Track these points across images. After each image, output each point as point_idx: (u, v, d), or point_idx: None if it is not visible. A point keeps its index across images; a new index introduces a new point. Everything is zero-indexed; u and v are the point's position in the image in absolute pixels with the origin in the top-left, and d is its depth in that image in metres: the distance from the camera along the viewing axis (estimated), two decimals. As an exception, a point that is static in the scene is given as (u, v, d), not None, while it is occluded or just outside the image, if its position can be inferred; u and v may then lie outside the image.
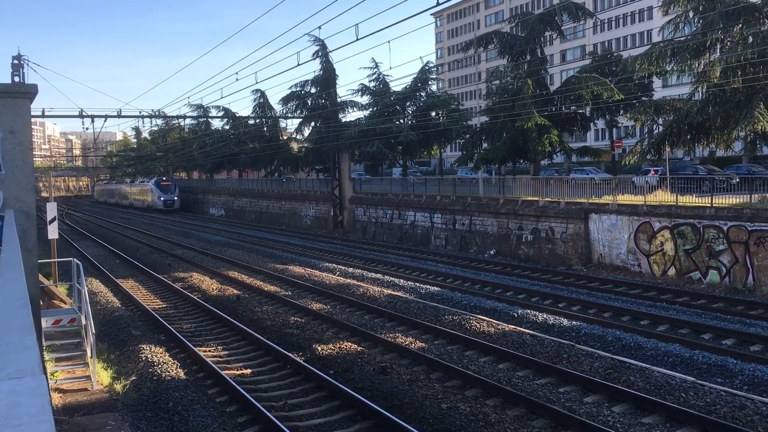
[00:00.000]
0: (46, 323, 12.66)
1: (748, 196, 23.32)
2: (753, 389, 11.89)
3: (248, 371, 13.86)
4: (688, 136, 25.71)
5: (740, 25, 24.16)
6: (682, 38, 25.86)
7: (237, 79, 51.28)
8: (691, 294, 20.84)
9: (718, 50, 25.28)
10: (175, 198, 74.53)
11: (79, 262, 14.63)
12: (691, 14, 25.92)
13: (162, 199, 73.60)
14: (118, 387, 12.37)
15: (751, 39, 23.66)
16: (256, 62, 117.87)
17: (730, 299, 19.89)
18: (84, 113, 37.47)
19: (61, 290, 20.73)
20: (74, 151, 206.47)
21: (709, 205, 22.94)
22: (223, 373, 13.06)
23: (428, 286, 22.65)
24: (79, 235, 47.27)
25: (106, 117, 38.31)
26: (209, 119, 78.52)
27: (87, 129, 45.66)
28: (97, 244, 40.81)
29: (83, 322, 13.02)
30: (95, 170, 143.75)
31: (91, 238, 44.01)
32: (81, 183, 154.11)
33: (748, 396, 11.12)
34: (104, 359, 14.37)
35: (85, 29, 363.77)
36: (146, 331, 17.42)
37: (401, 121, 53.29)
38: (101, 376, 12.71)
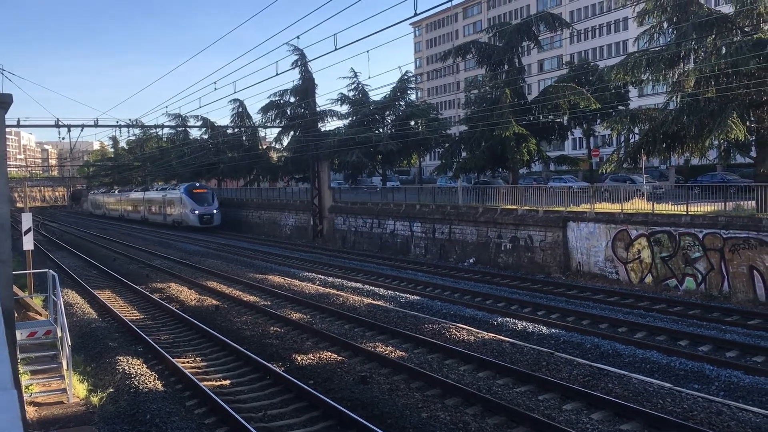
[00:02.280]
0: (21, 335, 12.47)
1: (723, 203, 23.68)
2: (729, 395, 12.02)
3: (227, 382, 13.75)
4: (664, 145, 26.00)
5: (713, 36, 24.53)
6: (656, 48, 26.20)
7: (215, 89, 51.19)
8: (668, 301, 21.06)
9: (692, 60, 25.63)
10: (214, 211, 57.92)
11: (54, 273, 14.46)
12: (665, 25, 26.27)
13: (197, 212, 56.97)
14: (94, 399, 12.21)
15: (724, 49, 24.01)
16: (235, 72, 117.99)
17: (706, 306, 20.12)
18: (60, 123, 37.13)
19: (36, 302, 20.43)
20: (50, 160, 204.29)
21: (684, 212, 23.22)
22: (201, 384, 12.94)
23: (408, 295, 22.65)
24: (55, 246, 46.68)
25: (82, 126, 37.99)
26: (187, 129, 77.90)
27: (63, 138, 45.23)
28: (73, 254, 40.32)
29: (59, 334, 12.85)
30: (71, 180, 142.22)
31: (67, 249, 43.48)
32: (57, 193, 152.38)
33: (725, 402, 11.24)
34: (80, 371, 14.18)
35: (62, 38, 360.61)
36: (123, 342, 17.21)
37: (380, 130, 53.38)
38: (77, 388, 12.53)
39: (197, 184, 63.11)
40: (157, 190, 69.52)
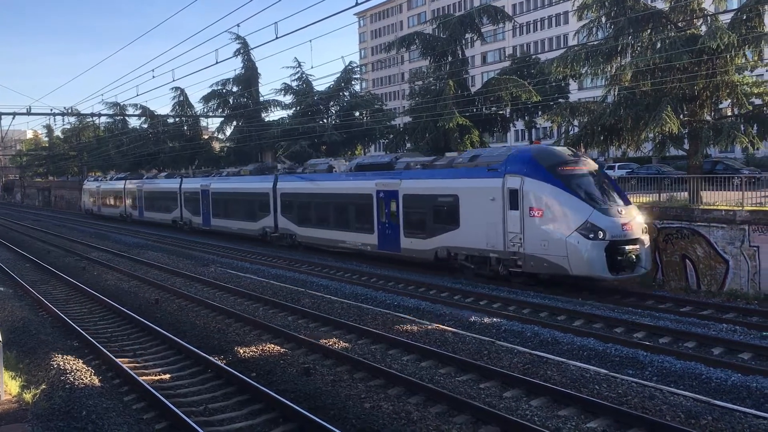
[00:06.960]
0: (-53, 332, 11.96)
1: (657, 194, 24.41)
2: (662, 380, 12.42)
3: (167, 376, 13.50)
4: (602, 138, 26.56)
5: (649, 31, 25.16)
6: (595, 42, 26.71)
7: (153, 77, 49.88)
8: (605, 289, 21.61)
9: (628, 54, 26.22)
10: (641, 233, 20.03)
11: (-17, 267, 13.91)
12: (603, 19, 26.79)
13: (603, 235, 19.05)
14: (27, 396, 11.81)
15: (659, 44, 24.66)
16: (173, 59, 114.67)
17: (641, 294, 20.73)
18: (-10, 110, 35.68)
19: (-36, 296, 19.67)
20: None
21: (621, 203, 23.80)
22: (140, 378, 12.67)
23: (352, 286, 22.65)
24: (-14, 239, 44.92)
25: (14, 114, 36.71)
26: (126, 117, 75.81)
27: (-7, 127, 43.48)
28: (4, 247, 38.92)
29: (-12, 329, 12.38)
30: (3, 170, 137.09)
31: (-1, 241, 41.91)
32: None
33: (657, 386, 11.62)
34: (12, 368, 13.68)
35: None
36: (58, 337, 16.71)
37: (325, 120, 53.12)
38: (9, 385, 12.10)
39: (562, 153, 21.99)
40: (366, 174, 28.38)
